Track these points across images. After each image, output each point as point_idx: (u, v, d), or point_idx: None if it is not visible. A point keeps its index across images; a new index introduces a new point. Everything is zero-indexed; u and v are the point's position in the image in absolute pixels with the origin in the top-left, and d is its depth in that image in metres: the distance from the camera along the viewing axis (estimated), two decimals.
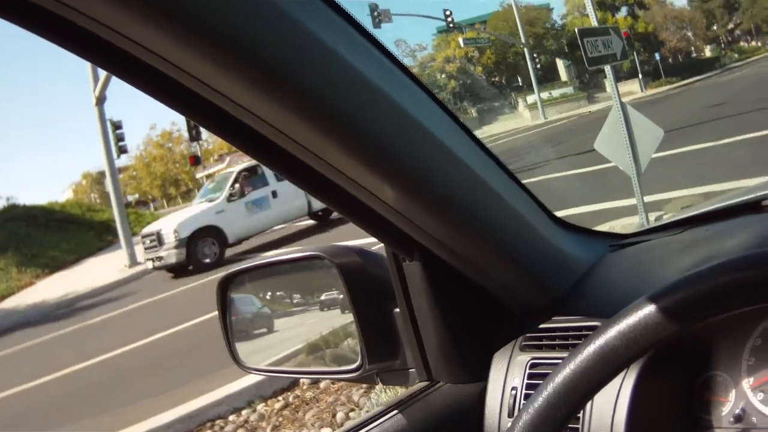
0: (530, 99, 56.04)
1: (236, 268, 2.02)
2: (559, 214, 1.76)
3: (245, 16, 1.00)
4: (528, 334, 1.63)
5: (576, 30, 7.86)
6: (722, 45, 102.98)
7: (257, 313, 2.16)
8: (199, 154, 39.45)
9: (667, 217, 3.25)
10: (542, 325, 1.61)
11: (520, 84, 64.31)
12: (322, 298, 1.94)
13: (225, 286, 1.98)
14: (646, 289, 1.06)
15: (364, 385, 6.41)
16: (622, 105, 8.23)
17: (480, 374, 1.66)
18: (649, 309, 1.03)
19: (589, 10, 8.50)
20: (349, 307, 1.66)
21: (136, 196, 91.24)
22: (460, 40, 53.46)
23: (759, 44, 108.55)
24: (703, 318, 1.04)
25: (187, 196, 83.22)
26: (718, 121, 20.56)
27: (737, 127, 17.01)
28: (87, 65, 26.16)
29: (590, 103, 54.90)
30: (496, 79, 65.53)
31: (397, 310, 1.65)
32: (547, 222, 1.69)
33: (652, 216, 8.76)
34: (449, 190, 1.38)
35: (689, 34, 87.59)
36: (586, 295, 1.66)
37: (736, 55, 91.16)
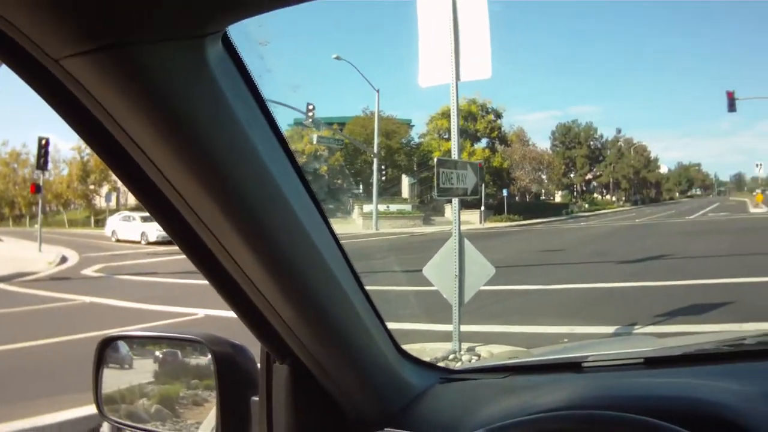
0: (366, 208, 55.65)
1: (117, 333, 2.30)
2: None
3: None
4: None
5: (435, 160, 7.98)
6: (575, 193, 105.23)
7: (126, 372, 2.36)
8: (41, 183, 38.75)
9: (486, 357, 3.55)
10: None
11: (361, 192, 64.33)
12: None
13: (104, 345, 2.25)
14: (468, 421, 1.46)
15: None
16: (461, 238, 8.42)
17: None
18: None
19: (453, 142, 8.65)
20: (215, 390, 1.93)
21: None
22: (314, 136, 53.08)
23: (614, 198, 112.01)
24: None
25: (19, 220, 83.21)
26: (552, 266, 21.39)
27: (569, 276, 17.92)
28: None
29: (425, 224, 55.43)
30: (339, 181, 65.21)
31: (256, 398, 1.90)
32: (391, 347, 1.97)
33: (465, 345, 9.01)
34: (323, 305, 1.62)
35: (543, 176, 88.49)
36: (415, 416, 1.94)
37: (587, 205, 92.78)
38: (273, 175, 1.36)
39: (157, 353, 2.31)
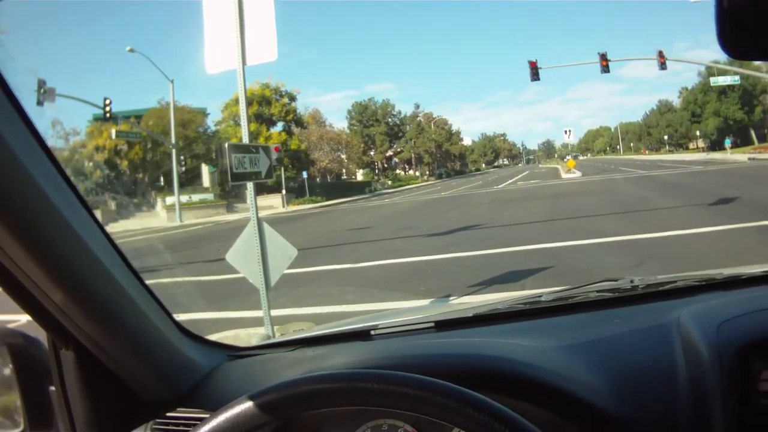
0: (169, 200, 55.32)
1: None
2: (185, 317, 1.98)
3: None
4: (158, 420, 1.90)
5: (225, 145, 7.86)
6: (377, 170, 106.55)
7: None
8: None
9: (282, 335, 3.55)
10: (169, 414, 1.89)
11: (163, 184, 63.23)
12: None
13: None
14: None
15: None
16: (259, 221, 8.38)
17: None
18: (249, 403, 1.38)
19: (243, 126, 8.56)
20: (15, 381, 1.85)
21: None
22: (113, 131, 51.85)
23: (417, 173, 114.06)
24: (288, 414, 1.44)
25: None
26: (359, 244, 21.42)
27: (378, 253, 17.99)
28: None
29: (228, 212, 55.33)
30: (141, 175, 64.05)
31: (53, 388, 1.83)
32: (172, 328, 1.96)
33: (279, 329, 8.91)
34: (90, 289, 1.60)
35: (343, 156, 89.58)
36: (205, 394, 1.96)
37: (390, 182, 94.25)
38: (25, 166, 1.36)
39: None
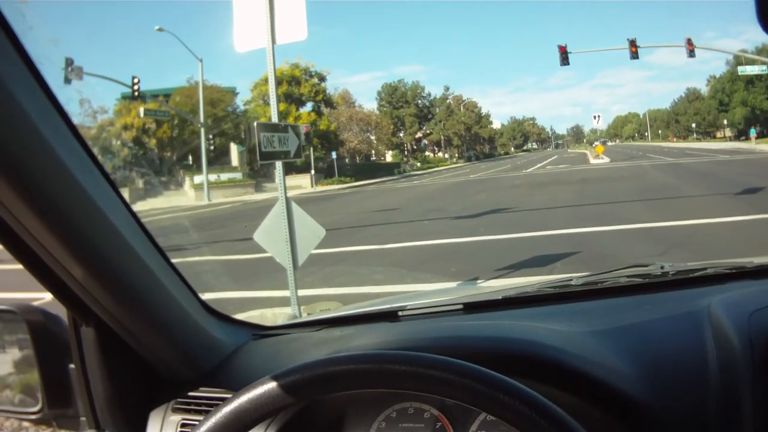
0: (197, 179, 55.51)
1: None
2: (211, 296, 1.96)
3: None
4: (179, 399, 1.88)
5: (255, 124, 7.82)
6: (406, 152, 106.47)
7: None
8: None
9: (308, 315, 3.55)
10: (191, 393, 1.87)
11: (191, 163, 63.54)
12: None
13: None
14: None
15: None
16: (287, 201, 8.38)
17: (139, 428, 1.88)
18: (273, 383, 1.33)
19: (273, 105, 8.52)
20: (34, 358, 1.85)
21: None
22: (141, 109, 51.96)
23: (446, 156, 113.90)
24: (314, 395, 1.41)
25: None
26: (387, 225, 21.41)
27: (405, 234, 17.89)
28: None
29: (257, 192, 55.26)
30: (169, 154, 64.19)
31: (73, 366, 1.82)
32: (197, 307, 1.94)
33: (305, 309, 8.91)
34: (112, 265, 1.57)
35: (372, 137, 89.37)
36: (229, 373, 1.94)
37: (419, 164, 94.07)
38: (49, 141, 1.33)
39: None
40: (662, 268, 2.34)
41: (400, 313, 2.24)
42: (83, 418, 1.89)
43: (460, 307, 2.22)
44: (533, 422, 1.24)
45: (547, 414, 1.25)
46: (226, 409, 1.34)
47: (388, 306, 2.40)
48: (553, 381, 1.63)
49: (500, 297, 2.26)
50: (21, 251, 1.50)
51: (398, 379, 1.35)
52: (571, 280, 2.38)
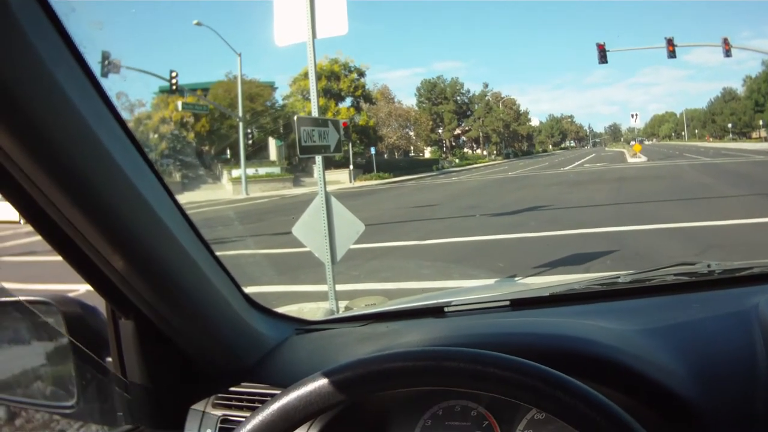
0: (235, 173, 55.80)
1: None
2: (249, 290, 1.92)
3: None
4: (220, 394, 1.84)
5: (295, 118, 7.87)
6: (444, 148, 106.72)
7: None
8: None
9: (349, 310, 3.52)
10: (233, 388, 1.83)
11: (229, 157, 63.89)
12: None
13: None
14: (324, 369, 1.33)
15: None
16: (327, 195, 8.38)
17: (177, 424, 1.85)
18: (323, 381, 1.29)
19: (313, 99, 8.54)
20: (70, 351, 1.83)
21: None
22: (179, 103, 52.31)
23: (484, 153, 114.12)
24: (366, 393, 1.37)
25: None
26: (425, 221, 21.45)
27: (444, 230, 18.04)
28: None
29: (295, 186, 55.59)
30: (207, 148, 64.71)
31: (110, 359, 1.81)
32: (240, 300, 1.90)
33: (342, 304, 8.93)
34: (155, 257, 1.54)
35: (411, 133, 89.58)
36: (271, 368, 1.90)
37: (457, 161, 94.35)
38: (92, 129, 1.30)
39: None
40: (708, 266, 2.31)
41: (446, 309, 2.20)
42: (120, 413, 1.86)
43: (507, 303, 2.19)
44: (596, 425, 1.21)
45: (610, 416, 1.21)
46: (274, 406, 1.30)
47: (434, 302, 2.34)
48: (607, 379, 1.59)
49: (547, 294, 2.23)
50: (61, 243, 1.47)
51: (456, 376, 1.31)
52: (618, 277, 2.35)
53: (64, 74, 1.21)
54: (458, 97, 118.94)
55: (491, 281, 10.73)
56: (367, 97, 76.75)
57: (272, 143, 66.79)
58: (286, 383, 1.38)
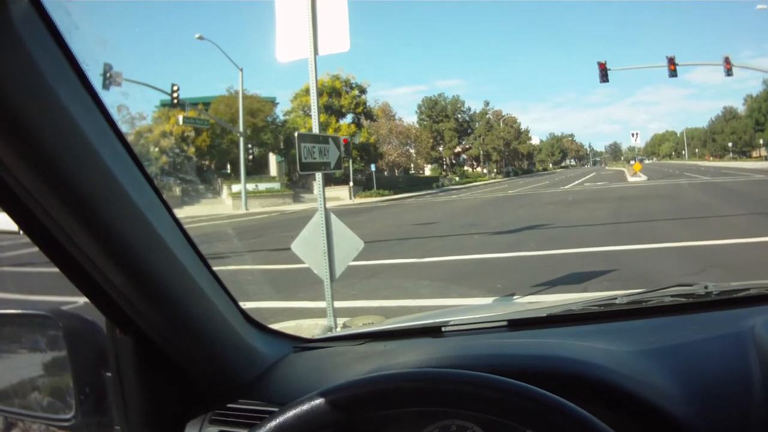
0: (235, 188, 55.85)
1: None
2: (247, 306, 1.93)
3: None
4: (217, 411, 1.84)
5: (296, 134, 7.85)
6: (445, 166, 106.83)
7: None
8: None
9: (346, 327, 3.52)
10: (230, 405, 1.83)
11: (229, 172, 63.86)
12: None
13: None
14: (321, 388, 1.34)
15: None
16: (326, 212, 8.37)
17: None
18: (320, 400, 1.30)
19: (314, 116, 8.52)
20: (69, 365, 1.82)
21: None
22: (180, 117, 52.37)
23: (485, 171, 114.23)
24: (363, 413, 1.36)
25: None
26: (425, 239, 21.46)
27: (443, 248, 18.00)
28: None
29: (295, 202, 55.63)
30: (207, 162, 64.79)
31: (109, 374, 1.80)
32: (238, 317, 1.91)
33: (341, 321, 8.88)
34: (153, 273, 1.54)
35: (412, 150, 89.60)
36: (269, 386, 1.91)
37: (458, 179, 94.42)
38: (93, 144, 1.30)
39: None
40: (706, 287, 2.31)
41: (443, 329, 2.21)
42: (117, 428, 1.86)
43: (505, 323, 2.20)
44: None
45: None
46: (272, 425, 1.32)
47: (431, 321, 2.36)
48: (603, 401, 1.60)
49: (545, 314, 2.23)
50: (60, 256, 1.47)
51: (452, 398, 1.33)
52: (616, 298, 2.34)
53: (65, 90, 1.22)
54: (459, 115, 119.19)
55: (489, 300, 10.75)
56: (368, 114, 76.90)
57: (273, 159, 66.99)
58: (283, 401, 1.40)
